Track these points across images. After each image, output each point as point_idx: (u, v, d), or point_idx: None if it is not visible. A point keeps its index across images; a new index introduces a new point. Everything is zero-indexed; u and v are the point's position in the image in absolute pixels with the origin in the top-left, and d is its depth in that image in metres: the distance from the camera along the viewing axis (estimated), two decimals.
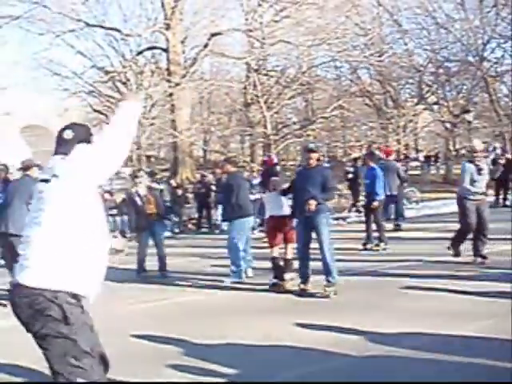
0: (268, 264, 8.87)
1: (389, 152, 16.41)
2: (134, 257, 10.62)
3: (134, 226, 11.28)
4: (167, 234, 17.66)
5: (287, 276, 8.62)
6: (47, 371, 3.46)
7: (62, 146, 3.51)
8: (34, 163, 8.76)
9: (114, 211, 18.17)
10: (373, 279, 8.99)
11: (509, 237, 10.86)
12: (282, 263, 8.73)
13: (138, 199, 10.72)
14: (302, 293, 8.05)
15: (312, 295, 7.95)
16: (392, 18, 34.86)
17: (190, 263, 10.73)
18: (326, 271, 7.91)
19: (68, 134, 3.55)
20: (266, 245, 9.30)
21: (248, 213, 9.71)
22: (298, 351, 5.60)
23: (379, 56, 29.95)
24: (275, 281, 8.60)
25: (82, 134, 3.59)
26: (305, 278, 8.18)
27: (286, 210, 8.83)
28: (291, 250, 8.81)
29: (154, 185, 10.71)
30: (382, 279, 8.90)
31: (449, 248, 9.93)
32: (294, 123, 33.42)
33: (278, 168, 14.51)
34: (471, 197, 9.51)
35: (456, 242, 9.91)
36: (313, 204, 7.74)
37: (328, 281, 7.89)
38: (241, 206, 9.49)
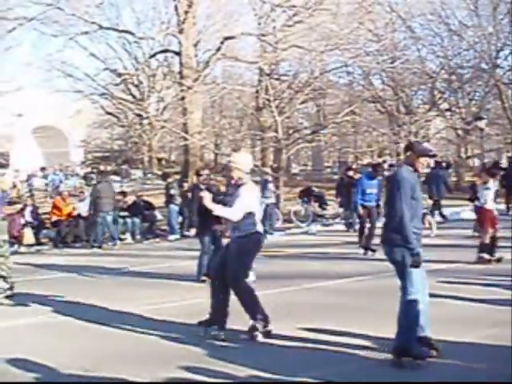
0: (270, 268, 8.87)
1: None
2: (139, 259, 10.62)
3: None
4: (175, 236, 17.73)
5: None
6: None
7: None
8: None
9: (126, 213, 18.17)
10: (382, 284, 8.96)
11: (509, 244, 10.87)
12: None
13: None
14: None
15: None
16: (405, 25, 34.78)
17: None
18: None
19: None
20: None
21: None
22: (303, 355, 5.61)
23: (392, 62, 29.86)
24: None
25: None
26: None
27: None
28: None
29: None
30: (391, 284, 8.86)
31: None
32: (306, 128, 33.36)
33: None
34: None
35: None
36: None
37: None
38: None
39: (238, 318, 6.36)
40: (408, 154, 5.55)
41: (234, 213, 6.33)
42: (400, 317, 5.29)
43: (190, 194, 10.67)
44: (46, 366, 5.50)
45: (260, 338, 6.23)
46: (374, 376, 5.06)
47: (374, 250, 12.09)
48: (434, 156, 5.55)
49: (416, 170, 5.44)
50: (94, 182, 30.37)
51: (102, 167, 33.63)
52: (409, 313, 5.23)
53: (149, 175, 37.75)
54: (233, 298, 6.37)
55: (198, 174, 10.49)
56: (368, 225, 12.74)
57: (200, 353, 5.78)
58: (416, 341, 5.26)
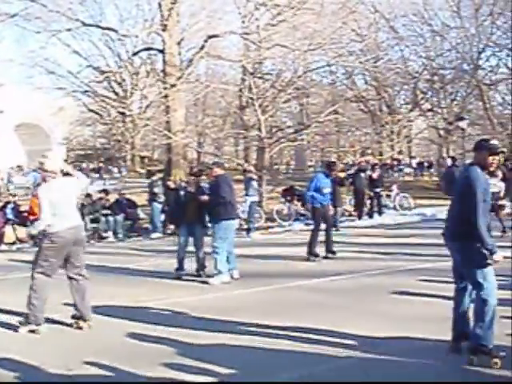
0: (253, 267, 8.89)
1: None
2: (121, 257, 10.58)
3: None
4: (158, 235, 17.70)
5: None
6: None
7: None
8: None
9: (108, 211, 18.11)
10: (365, 283, 9.02)
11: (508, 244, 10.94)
12: None
13: (182, 194, 10.49)
14: None
15: None
16: (388, 25, 35.03)
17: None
18: None
19: None
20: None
21: (234, 215, 9.88)
22: (290, 354, 5.63)
23: (375, 62, 30.02)
24: None
25: None
26: None
27: None
28: None
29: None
30: (373, 283, 8.94)
31: None
32: (289, 127, 33.46)
33: None
34: None
35: None
36: None
37: None
38: (227, 208, 9.56)
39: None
40: (478, 152, 5.28)
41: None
42: (477, 314, 5.15)
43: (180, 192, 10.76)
44: (28, 365, 5.48)
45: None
46: (353, 375, 5.09)
47: (333, 252, 11.87)
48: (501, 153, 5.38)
49: (486, 169, 5.21)
50: None
51: (84, 165, 33.52)
52: (486, 309, 5.07)
53: (131, 173, 37.61)
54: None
55: (191, 173, 10.92)
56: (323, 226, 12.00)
57: (181, 352, 5.78)
58: (491, 338, 5.13)
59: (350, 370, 5.20)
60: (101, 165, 41.36)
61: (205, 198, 9.81)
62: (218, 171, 9.95)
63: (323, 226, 11.90)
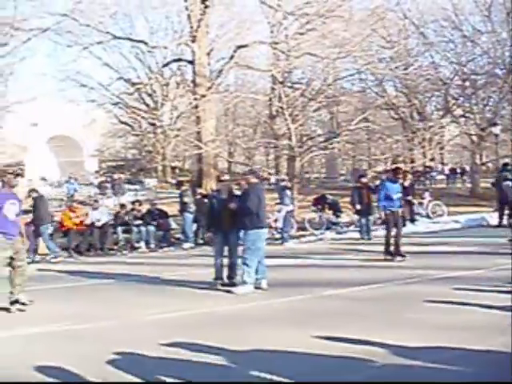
0: (286, 276, 8.85)
1: None
2: (153, 267, 10.60)
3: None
4: (190, 245, 17.73)
5: None
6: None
7: None
8: None
9: (140, 221, 18.21)
10: (398, 291, 8.92)
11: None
12: None
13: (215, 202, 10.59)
14: None
15: None
16: (418, 31, 34.74)
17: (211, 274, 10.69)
18: None
19: None
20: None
21: (264, 224, 9.87)
22: (319, 361, 5.57)
23: (405, 69, 29.83)
24: None
25: None
26: None
27: None
28: None
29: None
30: (406, 291, 8.83)
31: None
32: (319, 135, 33.35)
33: None
34: None
35: None
36: None
37: None
38: (258, 217, 9.56)
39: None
40: None
41: None
42: None
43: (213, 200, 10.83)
44: (68, 372, 5.51)
45: None
46: None
47: (403, 256, 12.17)
48: None
49: None
50: (108, 190, 30.56)
51: (116, 176, 33.81)
52: None
53: (162, 184, 37.85)
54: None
55: (219, 180, 11.33)
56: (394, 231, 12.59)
57: (211, 358, 5.76)
58: None
59: (386, 378, 5.12)
60: (132, 176, 41.72)
61: (233, 205, 9.83)
62: (252, 180, 9.96)
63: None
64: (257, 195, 9.71)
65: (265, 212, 10.01)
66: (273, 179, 32.48)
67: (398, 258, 12.19)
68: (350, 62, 27.02)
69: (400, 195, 12.71)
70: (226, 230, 10.04)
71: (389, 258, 12.30)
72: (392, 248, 12.40)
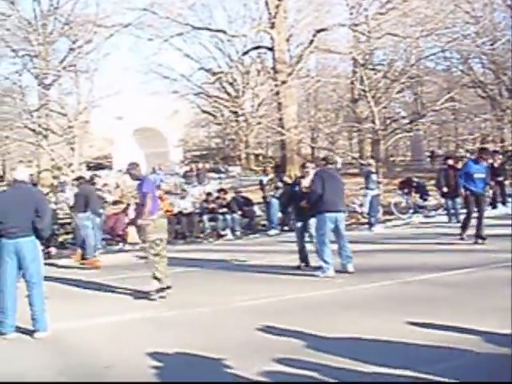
0: (374, 261, 8.73)
1: None
2: (239, 254, 10.66)
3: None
4: (275, 231, 17.76)
5: None
6: None
7: None
8: None
9: (225, 209, 18.41)
10: (491, 276, 8.65)
11: None
12: None
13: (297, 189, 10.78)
14: None
15: None
16: (505, 3, 33.31)
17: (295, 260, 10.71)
18: None
19: None
20: None
21: (333, 208, 9.67)
22: (413, 349, 5.46)
23: (492, 44, 28.75)
24: None
25: None
26: None
27: None
28: None
29: None
30: (495, 277, 8.53)
31: None
32: (404, 117, 32.72)
33: None
34: None
35: None
36: None
37: None
38: (322, 201, 9.51)
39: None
40: None
41: None
42: None
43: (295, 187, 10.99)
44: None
45: None
46: (482, 373, 4.85)
47: (484, 238, 11.79)
48: None
49: None
50: (193, 179, 31.05)
51: (200, 165, 34.30)
52: None
53: (246, 171, 38.12)
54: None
55: (303, 166, 11.21)
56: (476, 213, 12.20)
57: (299, 344, 5.76)
58: None
59: (476, 368, 4.97)
60: (216, 164, 42.22)
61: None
62: (313, 165, 10.70)
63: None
64: (320, 178, 9.74)
65: (335, 196, 9.80)
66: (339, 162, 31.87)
67: (479, 241, 11.80)
68: (433, 40, 26.27)
69: (482, 176, 12.24)
70: (306, 216, 10.22)
71: (464, 239, 12.19)
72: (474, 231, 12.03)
